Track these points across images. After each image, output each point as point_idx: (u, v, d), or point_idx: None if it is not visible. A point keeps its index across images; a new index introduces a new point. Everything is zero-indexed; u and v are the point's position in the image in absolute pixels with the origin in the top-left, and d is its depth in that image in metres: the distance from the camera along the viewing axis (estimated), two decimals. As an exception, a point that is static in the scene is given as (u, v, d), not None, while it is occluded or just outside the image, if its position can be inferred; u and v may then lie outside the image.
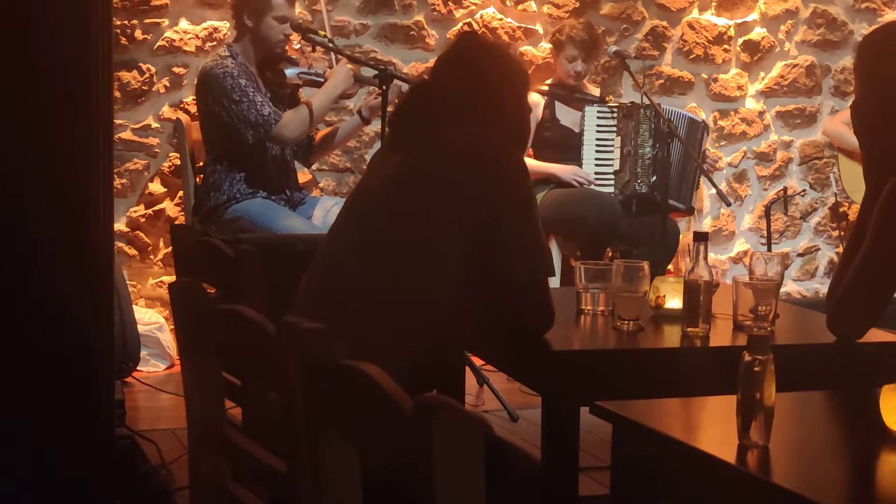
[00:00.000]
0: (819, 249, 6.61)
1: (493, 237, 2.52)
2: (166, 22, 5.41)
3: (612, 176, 5.30)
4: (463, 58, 2.74)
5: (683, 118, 5.40)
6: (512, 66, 2.77)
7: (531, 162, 5.14)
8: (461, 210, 2.51)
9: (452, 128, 2.61)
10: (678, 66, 6.26)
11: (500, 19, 5.88)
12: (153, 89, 5.42)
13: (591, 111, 5.36)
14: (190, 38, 5.44)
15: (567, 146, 5.35)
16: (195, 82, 4.89)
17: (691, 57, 6.26)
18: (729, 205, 5.81)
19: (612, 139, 5.32)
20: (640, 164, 5.24)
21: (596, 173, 5.31)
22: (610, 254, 5.28)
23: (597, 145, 5.35)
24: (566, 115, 5.41)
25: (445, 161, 2.58)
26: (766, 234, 6.15)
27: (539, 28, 5.97)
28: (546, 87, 5.44)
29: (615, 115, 5.34)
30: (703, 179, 5.52)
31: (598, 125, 5.36)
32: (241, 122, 4.60)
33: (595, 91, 5.55)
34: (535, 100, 5.31)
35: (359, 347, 1.62)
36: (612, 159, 5.31)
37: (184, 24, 5.44)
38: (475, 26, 5.82)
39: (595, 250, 4.91)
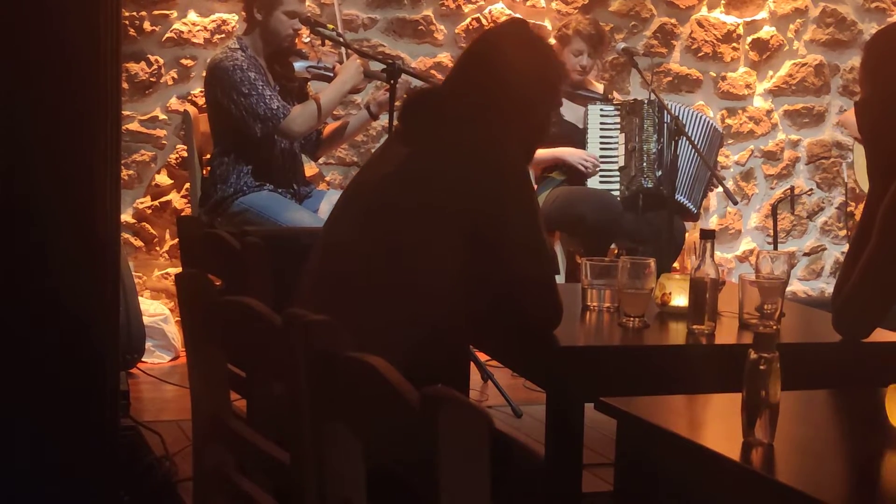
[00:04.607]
0: (825, 249, 6.60)
1: (498, 234, 2.52)
2: (175, 14, 5.42)
3: (617, 173, 5.29)
4: (488, 55, 2.69)
5: (706, 123, 5.37)
6: (542, 74, 2.70)
7: (538, 151, 5.12)
8: (463, 203, 2.51)
9: (462, 128, 2.59)
10: (686, 63, 6.25)
11: (509, 14, 5.87)
12: (161, 81, 5.42)
13: (594, 109, 5.35)
14: (198, 31, 5.44)
15: (571, 141, 5.34)
16: (203, 74, 4.90)
17: (700, 55, 6.26)
18: (736, 203, 5.81)
19: (616, 136, 5.32)
20: (645, 160, 5.22)
21: (600, 171, 5.31)
22: (616, 250, 5.28)
23: (601, 143, 5.34)
24: (570, 111, 5.40)
25: (451, 160, 2.57)
26: (772, 233, 6.15)
27: (548, 24, 5.96)
28: None
29: (618, 112, 5.33)
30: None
31: (601, 123, 5.35)
32: (249, 116, 4.60)
33: (599, 88, 5.54)
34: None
35: (361, 339, 1.62)
36: (616, 157, 5.30)
37: (192, 16, 5.44)
38: (483, 22, 5.82)
39: (595, 248, 4.89)
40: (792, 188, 6.30)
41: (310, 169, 5.44)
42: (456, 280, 2.53)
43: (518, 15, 5.89)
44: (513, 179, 2.55)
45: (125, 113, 5.23)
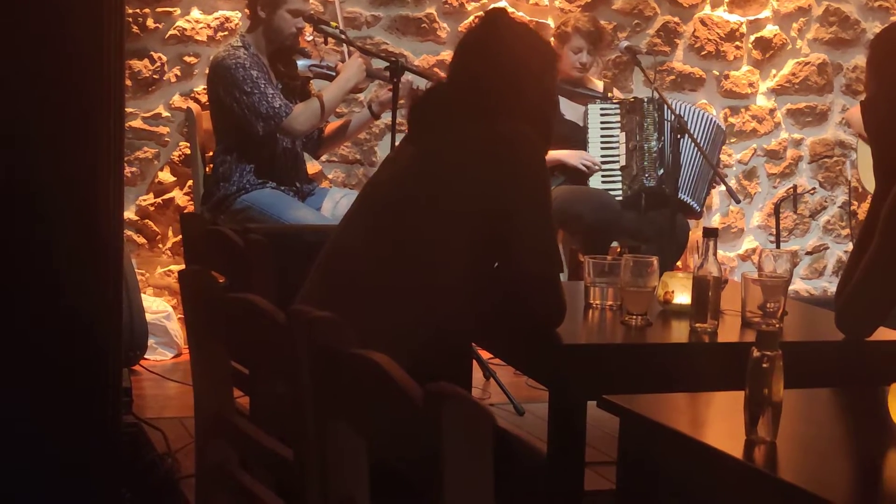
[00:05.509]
0: (828, 248, 6.60)
1: (507, 229, 2.52)
2: (178, 11, 5.42)
3: (619, 172, 5.28)
4: (482, 45, 2.69)
5: (709, 121, 5.36)
6: (534, 51, 2.70)
7: None
8: (471, 199, 2.51)
9: (470, 122, 2.59)
10: (689, 62, 6.25)
11: (512, 13, 5.87)
12: (164, 78, 5.42)
13: (594, 109, 5.33)
14: (201, 28, 5.44)
15: (572, 140, 5.33)
16: (206, 72, 4.90)
17: (703, 53, 6.25)
18: (738, 202, 5.79)
19: (617, 135, 5.31)
20: (646, 158, 5.21)
21: (602, 171, 5.30)
22: (619, 249, 5.27)
23: (601, 143, 5.32)
24: (570, 110, 5.39)
25: (462, 154, 2.56)
26: (775, 232, 6.14)
27: (551, 22, 5.96)
28: None
29: (618, 111, 5.32)
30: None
31: (601, 122, 5.34)
32: (251, 114, 4.60)
33: (599, 85, 5.52)
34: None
35: (367, 336, 1.62)
36: (618, 156, 5.29)
37: (195, 13, 5.44)
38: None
39: (593, 247, 4.89)
40: (795, 187, 6.29)
41: (312, 167, 5.43)
42: (462, 278, 2.53)
43: (521, 13, 5.89)
44: (524, 176, 2.54)
45: (128, 110, 5.23)
